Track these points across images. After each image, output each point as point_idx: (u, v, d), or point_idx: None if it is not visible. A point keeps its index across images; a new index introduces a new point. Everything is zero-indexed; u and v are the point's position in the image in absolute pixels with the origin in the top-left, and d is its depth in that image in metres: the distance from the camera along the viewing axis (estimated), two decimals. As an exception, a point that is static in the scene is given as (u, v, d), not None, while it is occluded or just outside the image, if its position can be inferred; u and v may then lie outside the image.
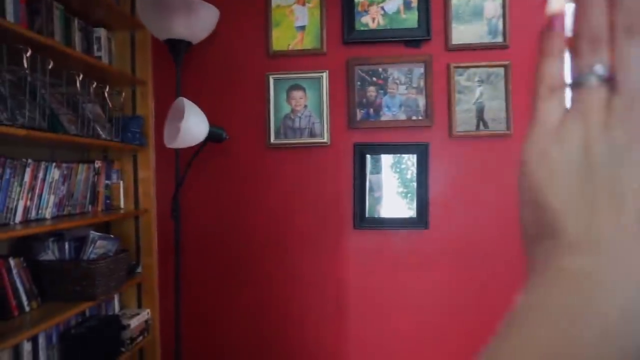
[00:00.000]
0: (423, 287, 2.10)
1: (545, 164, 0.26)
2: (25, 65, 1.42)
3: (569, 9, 0.26)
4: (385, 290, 2.12)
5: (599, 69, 0.25)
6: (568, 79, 0.26)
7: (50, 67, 1.57)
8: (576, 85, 0.26)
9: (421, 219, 2.07)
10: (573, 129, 0.25)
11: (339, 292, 2.14)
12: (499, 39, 2.05)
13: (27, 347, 1.58)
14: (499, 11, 2.05)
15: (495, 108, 2.06)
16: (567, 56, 0.27)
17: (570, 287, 0.24)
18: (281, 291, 2.17)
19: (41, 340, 1.65)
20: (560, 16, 0.27)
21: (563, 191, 0.25)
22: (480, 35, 2.06)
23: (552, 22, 0.27)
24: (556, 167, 0.26)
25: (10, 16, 1.49)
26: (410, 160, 2.08)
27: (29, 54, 1.43)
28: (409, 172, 2.08)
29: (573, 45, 0.26)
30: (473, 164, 2.07)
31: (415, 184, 2.08)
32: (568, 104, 0.26)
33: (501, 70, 2.05)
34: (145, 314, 2.13)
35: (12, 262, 1.57)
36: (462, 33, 2.07)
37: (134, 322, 2.02)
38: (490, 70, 2.06)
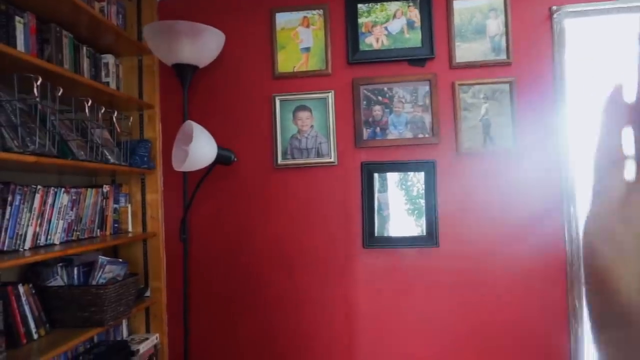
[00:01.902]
0: (434, 306, 2.07)
1: (613, 244, 0.24)
2: (36, 93, 1.44)
3: (632, 80, 0.25)
4: (396, 309, 2.09)
5: None
6: (631, 151, 0.25)
7: (59, 94, 1.59)
8: None
9: (431, 236, 2.05)
10: (639, 206, 0.24)
11: (349, 311, 2.11)
12: (503, 56, 2.07)
13: (35, 375, 1.56)
14: (502, 29, 2.07)
15: (501, 124, 2.06)
16: (628, 128, 0.25)
17: None
18: (290, 312, 2.14)
19: (49, 369, 1.63)
20: (621, 88, 0.26)
21: (634, 276, 0.23)
22: (484, 52, 2.08)
23: (614, 94, 0.26)
24: (624, 248, 0.24)
25: (20, 46, 1.52)
26: (416, 177, 2.08)
27: (39, 82, 1.44)
28: (415, 188, 2.08)
29: (636, 117, 0.25)
30: (481, 180, 2.06)
31: (422, 200, 2.07)
32: (631, 177, 0.25)
33: (506, 87, 2.06)
34: (153, 339, 2.11)
35: (21, 289, 1.56)
36: (466, 51, 2.08)
37: (143, 348, 2.00)
38: (495, 86, 2.07)
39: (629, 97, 0.25)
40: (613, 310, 0.24)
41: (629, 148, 0.25)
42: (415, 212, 2.08)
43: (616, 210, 0.24)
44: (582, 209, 2.02)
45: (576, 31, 2.05)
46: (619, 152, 0.25)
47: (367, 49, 2.12)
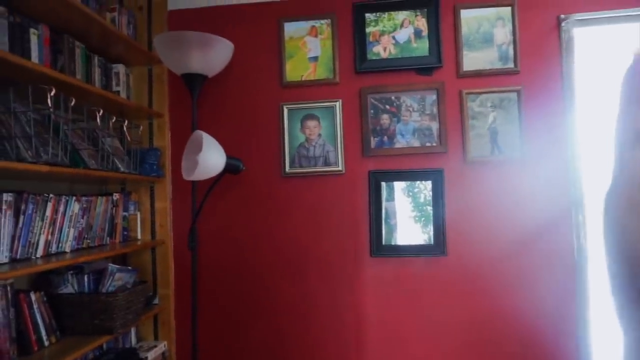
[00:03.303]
0: (442, 315, 2.06)
1: (638, 217, 0.24)
2: (49, 103, 1.46)
3: None
4: (404, 318, 2.08)
5: None
6: None
7: (72, 104, 1.61)
8: None
9: (439, 245, 2.05)
10: None
11: (357, 320, 2.11)
12: (510, 65, 2.07)
13: (46, 382, 1.57)
14: (509, 37, 2.07)
15: (509, 133, 2.06)
16: None
17: None
18: (299, 321, 2.14)
19: (60, 376, 1.64)
20: None
21: None
22: (491, 61, 2.08)
23: (636, 66, 0.26)
24: None
25: (35, 58, 1.55)
26: (423, 184, 2.08)
27: (52, 92, 1.47)
28: (422, 195, 2.08)
29: None
30: (489, 189, 2.06)
31: (429, 207, 2.07)
32: None
33: (514, 95, 2.06)
34: (162, 347, 2.12)
35: (33, 296, 1.58)
36: (473, 60, 2.09)
37: (151, 355, 2.01)
38: (503, 95, 2.07)
39: None
40: (637, 277, 0.24)
41: None
42: (422, 219, 2.08)
43: (639, 183, 0.24)
44: (590, 218, 2.01)
45: (584, 39, 2.05)
46: None
47: (374, 58, 2.13)
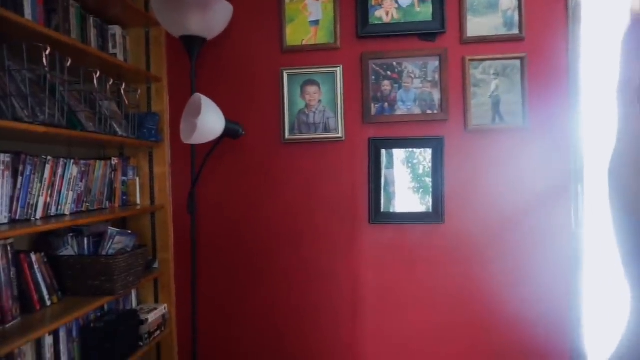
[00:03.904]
0: (439, 282, 2.09)
1: None
2: (45, 63, 1.44)
3: None
4: (401, 284, 2.12)
5: None
6: None
7: (68, 64, 1.58)
8: None
9: (437, 213, 2.06)
10: None
11: (354, 286, 2.14)
12: (515, 31, 2.03)
13: (48, 340, 1.61)
14: (515, 3, 2.02)
15: (511, 101, 2.03)
16: None
17: None
18: (296, 286, 2.17)
19: (62, 334, 1.68)
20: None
21: None
22: (496, 27, 2.04)
23: (634, 21, 0.25)
24: None
25: (28, 15, 1.51)
26: (422, 155, 2.07)
27: (47, 52, 1.44)
28: (421, 166, 2.07)
29: None
30: (489, 157, 2.06)
31: (427, 179, 2.07)
32: None
33: (517, 63, 2.03)
34: (162, 309, 2.15)
35: (33, 257, 1.59)
36: (477, 25, 2.05)
37: (152, 317, 2.05)
38: (506, 62, 2.04)
39: None
40: None
41: None
42: (421, 190, 2.08)
43: None
44: (590, 188, 2.01)
45: (592, 6, 2.00)
46: None
47: (376, 22, 2.08)
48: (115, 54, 2.03)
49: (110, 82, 1.91)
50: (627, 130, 0.24)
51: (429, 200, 2.07)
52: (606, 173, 0.26)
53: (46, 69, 1.45)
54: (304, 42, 2.12)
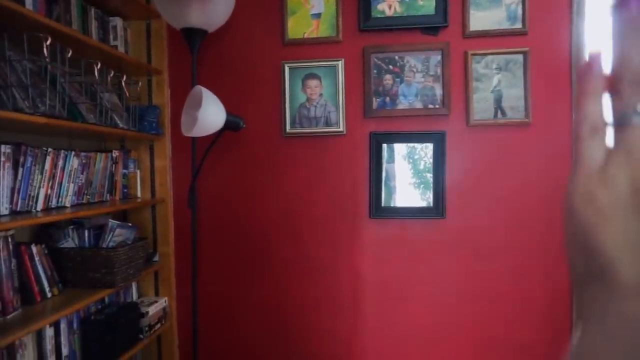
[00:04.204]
0: (439, 277, 2.09)
1: (593, 207, 0.26)
2: (46, 53, 1.43)
3: (607, 50, 0.26)
4: (402, 279, 2.12)
5: None
6: (609, 119, 0.26)
7: (69, 55, 1.57)
8: (619, 124, 0.25)
9: (438, 208, 2.06)
10: (618, 169, 0.25)
11: (355, 280, 2.14)
12: (518, 25, 2.02)
13: (49, 332, 1.61)
14: (518, -3, 2.01)
15: (514, 96, 2.03)
16: (606, 96, 0.26)
17: (633, 333, 0.24)
18: (297, 280, 2.17)
19: (63, 326, 1.68)
20: (598, 57, 0.27)
21: (613, 235, 0.25)
22: (499, 21, 2.03)
23: (591, 63, 0.27)
24: (604, 209, 0.25)
25: (29, 5, 1.50)
26: (423, 150, 2.07)
27: (48, 42, 1.43)
28: (422, 162, 2.07)
29: (613, 85, 0.26)
30: (491, 153, 2.05)
31: (428, 174, 2.07)
32: (611, 144, 0.26)
33: (520, 57, 2.02)
34: (162, 302, 2.16)
35: (34, 249, 1.59)
36: (480, 19, 2.03)
37: (152, 310, 2.05)
38: (509, 57, 2.03)
39: (607, 66, 0.26)
40: (594, 268, 0.26)
41: (608, 115, 0.26)
42: (422, 186, 2.08)
43: (597, 174, 0.26)
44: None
45: (596, 0, 1.99)
46: (598, 119, 0.27)
47: (379, 16, 2.07)
48: (116, 46, 2.02)
49: (111, 74, 1.90)
50: (582, 162, 0.28)
51: (430, 195, 2.07)
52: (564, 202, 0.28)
53: (47, 59, 1.45)
54: (306, 35, 2.11)
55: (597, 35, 1.99)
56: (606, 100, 0.26)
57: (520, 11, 2.01)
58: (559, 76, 2.01)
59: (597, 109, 0.27)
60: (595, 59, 0.27)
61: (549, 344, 2.04)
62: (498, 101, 2.04)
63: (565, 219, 0.28)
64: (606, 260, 0.25)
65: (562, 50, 2.00)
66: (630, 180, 0.24)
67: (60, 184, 1.71)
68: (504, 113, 2.03)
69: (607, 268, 0.25)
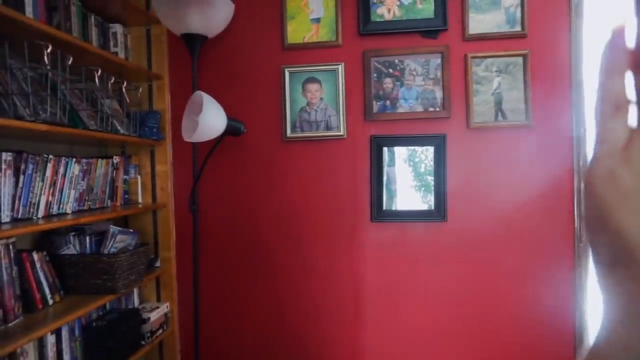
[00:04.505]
0: (441, 280, 2.09)
1: (615, 186, 0.25)
2: (46, 61, 1.43)
3: (632, 24, 0.25)
4: (403, 282, 2.11)
5: None
6: (633, 96, 0.25)
7: (69, 63, 1.58)
8: None
9: (439, 211, 2.05)
10: None
11: (356, 284, 2.14)
12: (517, 28, 2.02)
13: (51, 339, 1.61)
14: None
15: (514, 98, 2.03)
16: (630, 73, 0.25)
17: None
18: (298, 284, 2.17)
19: (64, 333, 1.68)
20: (622, 31, 0.26)
21: (635, 216, 0.24)
22: (498, 24, 2.03)
23: (614, 38, 0.26)
24: (627, 189, 0.24)
25: (29, 13, 1.50)
26: (424, 154, 2.07)
27: (49, 50, 1.43)
28: (423, 165, 2.07)
29: (637, 61, 0.25)
30: (491, 155, 2.05)
31: (429, 177, 2.06)
32: (634, 122, 0.25)
33: (520, 60, 2.02)
34: (164, 308, 2.15)
35: (35, 256, 1.59)
36: (480, 22, 2.04)
37: (154, 316, 2.05)
38: (509, 60, 2.03)
39: (630, 42, 0.25)
40: (617, 252, 0.25)
41: (630, 92, 0.25)
42: (422, 189, 2.08)
43: (619, 152, 0.25)
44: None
45: (594, 2, 1.99)
46: (621, 96, 0.25)
47: (378, 19, 2.07)
48: (116, 52, 2.03)
49: (112, 80, 1.90)
50: (602, 142, 0.25)
51: (431, 198, 2.07)
52: (584, 184, 0.27)
53: (48, 67, 1.45)
54: (306, 40, 2.11)
55: (596, 37, 1.99)
56: (629, 77, 0.25)
57: (519, 14, 2.01)
58: (558, 78, 2.01)
59: (620, 86, 0.25)
60: (618, 34, 0.26)
61: (552, 346, 2.03)
62: (498, 104, 2.04)
63: (586, 200, 0.27)
64: (629, 244, 0.24)
65: (561, 52, 2.01)
66: None
67: (61, 190, 1.71)
68: (504, 115, 2.03)
69: (629, 249, 0.24)
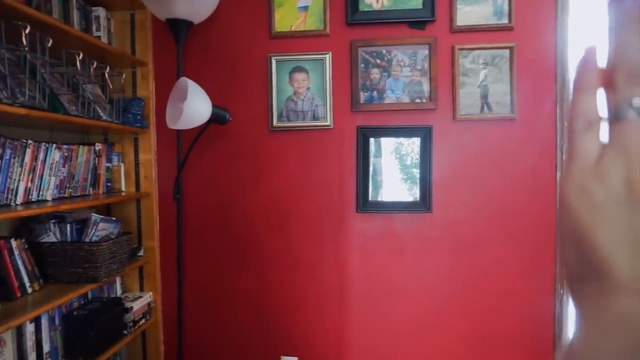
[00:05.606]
0: (426, 270, 2.10)
1: (587, 202, 0.25)
2: (24, 42, 1.39)
3: (603, 44, 0.26)
4: (388, 272, 2.12)
5: (638, 102, 0.24)
6: (604, 113, 0.26)
7: (49, 45, 1.53)
8: (614, 119, 0.25)
9: (424, 202, 2.06)
10: (614, 163, 0.25)
11: (341, 274, 2.14)
12: (505, 21, 2.02)
13: (29, 328, 1.58)
14: (505, -8, 2.02)
15: (500, 91, 2.04)
16: (601, 91, 0.26)
17: (628, 329, 0.23)
18: (283, 274, 2.17)
19: (44, 322, 1.65)
20: (594, 50, 0.27)
21: (608, 231, 0.24)
22: (486, 16, 2.03)
23: (587, 57, 0.27)
24: (599, 204, 0.25)
25: (8, -8, 1.45)
26: (410, 146, 2.07)
27: (27, 30, 1.39)
28: (409, 157, 2.07)
29: (609, 79, 0.26)
30: (477, 147, 2.06)
31: (415, 170, 2.07)
32: (605, 138, 0.26)
33: (506, 52, 2.03)
34: (147, 297, 2.13)
35: (13, 243, 1.56)
36: (467, 14, 2.04)
37: (137, 305, 2.02)
38: (495, 52, 2.04)
39: (602, 60, 0.26)
40: (588, 265, 0.25)
41: (602, 110, 0.26)
42: (408, 181, 2.08)
43: (591, 168, 0.25)
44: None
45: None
46: (593, 113, 0.26)
47: (366, 9, 2.06)
48: (99, 37, 1.98)
49: (94, 65, 1.86)
50: (573, 157, 0.27)
51: (417, 190, 2.08)
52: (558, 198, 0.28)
53: (26, 48, 1.41)
54: (293, 28, 2.09)
55: (581, 31, 2.01)
56: (601, 94, 0.26)
57: (506, 6, 2.02)
58: (544, 71, 2.02)
59: (592, 103, 0.26)
60: (591, 53, 0.27)
61: (533, 336, 2.07)
62: (484, 96, 2.05)
63: (559, 214, 0.27)
64: (600, 256, 0.24)
65: (547, 45, 2.02)
66: (625, 175, 0.24)
67: (41, 177, 1.67)
68: (490, 108, 2.04)
69: (601, 264, 0.24)
